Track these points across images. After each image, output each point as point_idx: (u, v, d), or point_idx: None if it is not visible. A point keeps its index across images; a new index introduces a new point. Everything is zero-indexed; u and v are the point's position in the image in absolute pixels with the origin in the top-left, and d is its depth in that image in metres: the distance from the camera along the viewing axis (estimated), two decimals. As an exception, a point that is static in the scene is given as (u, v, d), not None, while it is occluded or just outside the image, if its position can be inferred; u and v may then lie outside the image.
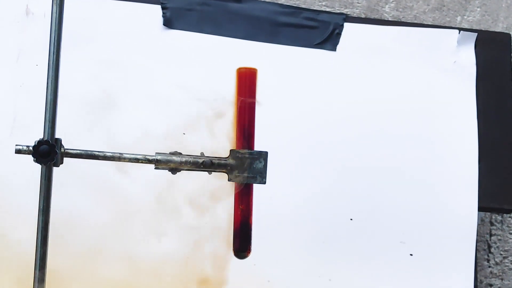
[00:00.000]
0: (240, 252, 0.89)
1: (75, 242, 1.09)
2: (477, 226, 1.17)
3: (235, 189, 0.89)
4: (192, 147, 0.97)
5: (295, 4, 1.38)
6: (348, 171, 1.16)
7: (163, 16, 1.17)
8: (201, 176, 0.94)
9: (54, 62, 0.85)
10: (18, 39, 1.13)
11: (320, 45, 1.20)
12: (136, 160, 0.87)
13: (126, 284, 1.10)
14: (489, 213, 1.41)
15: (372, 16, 1.44)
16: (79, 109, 1.12)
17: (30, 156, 0.83)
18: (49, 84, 0.85)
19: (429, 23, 1.43)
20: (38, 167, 0.85)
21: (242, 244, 0.89)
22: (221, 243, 1.10)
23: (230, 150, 0.89)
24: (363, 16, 1.44)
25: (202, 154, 0.90)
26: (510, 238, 1.42)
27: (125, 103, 1.13)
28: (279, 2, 1.25)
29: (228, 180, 0.89)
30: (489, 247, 1.41)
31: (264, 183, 0.89)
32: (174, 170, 0.89)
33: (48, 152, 0.83)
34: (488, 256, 1.41)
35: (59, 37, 0.86)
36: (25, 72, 1.12)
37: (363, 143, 1.17)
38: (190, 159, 0.88)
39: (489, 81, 1.22)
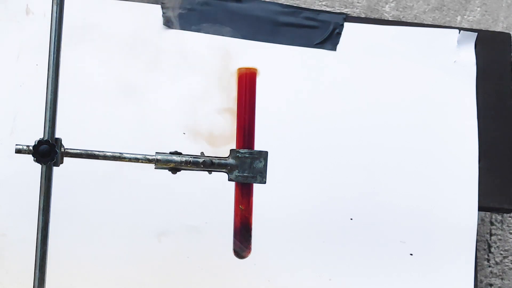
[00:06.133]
0: (240, 252, 0.89)
1: (75, 241, 1.09)
2: (477, 226, 1.17)
3: (235, 189, 0.89)
4: (192, 147, 0.97)
5: (295, 3, 1.38)
6: (348, 171, 1.16)
7: (163, 16, 1.17)
8: (201, 176, 0.94)
9: (54, 62, 0.85)
10: (18, 39, 1.13)
11: (320, 44, 1.20)
12: (136, 160, 0.87)
13: (126, 283, 1.10)
14: (489, 213, 1.41)
15: (372, 16, 1.44)
16: (79, 109, 1.12)
17: (30, 156, 0.83)
18: (49, 84, 0.85)
19: (429, 23, 1.43)
20: (38, 167, 0.85)
21: (242, 244, 0.89)
22: (221, 243, 1.10)
23: (230, 150, 0.89)
24: (363, 15, 1.44)
25: (202, 154, 0.90)
26: (510, 238, 1.42)
27: (125, 102, 1.13)
28: (279, 2, 1.25)
29: (228, 180, 0.89)
30: (489, 247, 1.41)
31: (264, 183, 0.89)
32: (174, 170, 0.89)
33: (48, 152, 0.83)
34: (488, 256, 1.41)
35: (59, 37, 0.86)
36: (25, 72, 1.12)
37: (362, 143, 1.17)
38: (190, 159, 0.88)
39: (489, 81, 1.22)
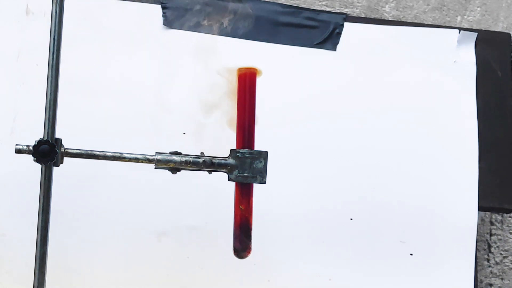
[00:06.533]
0: (240, 252, 0.89)
1: (75, 241, 1.09)
2: (477, 226, 1.17)
3: (235, 189, 0.89)
4: (192, 147, 0.97)
5: (295, 3, 1.38)
6: (348, 171, 1.16)
7: (163, 16, 1.17)
8: (201, 176, 0.94)
9: (54, 61, 0.85)
10: (18, 38, 1.13)
11: (320, 44, 1.20)
12: (136, 160, 0.87)
13: (126, 283, 1.10)
14: (489, 213, 1.40)
15: (372, 16, 1.44)
16: (79, 109, 1.12)
17: (30, 156, 0.83)
18: (49, 83, 0.85)
19: (429, 23, 1.43)
20: (38, 167, 0.85)
21: (242, 244, 0.89)
22: (221, 243, 1.10)
23: (230, 150, 0.89)
24: (363, 15, 1.44)
25: (202, 154, 0.90)
26: (510, 238, 1.42)
27: (124, 102, 1.13)
28: (279, 2, 1.25)
29: (228, 180, 0.89)
30: (489, 247, 1.41)
31: (264, 183, 0.89)
32: (174, 170, 0.89)
33: (48, 152, 0.83)
34: (488, 256, 1.41)
35: (59, 37, 0.85)
36: (25, 72, 1.12)
37: (363, 143, 1.17)
38: (190, 158, 0.88)
39: (489, 81, 1.22)
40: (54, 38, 0.85)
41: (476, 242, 1.17)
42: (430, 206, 1.17)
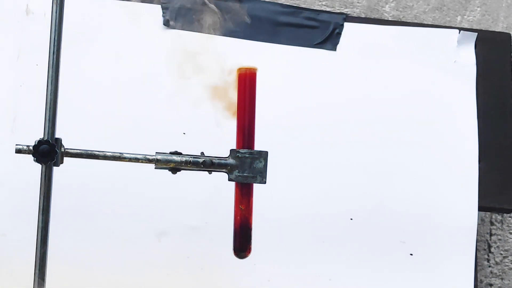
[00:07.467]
0: (240, 252, 0.89)
1: (75, 241, 1.09)
2: (477, 226, 1.17)
3: (235, 189, 0.89)
4: (192, 147, 0.97)
5: (295, 3, 1.38)
6: (348, 171, 1.16)
7: (163, 16, 1.17)
8: (201, 176, 0.94)
9: (54, 62, 0.85)
10: (18, 38, 1.13)
11: (320, 44, 1.20)
12: (136, 160, 0.87)
13: (126, 283, 1.10)
14: (489, 213, 1.40)
15: (372, 16, 1.44)
16: (79, 109, 1.12)
17: (30, 155, 0.83)
18: (49, 84, 0.85)
19: (429, 23, 1.43)
20: (38, 167, 0.85)
21: (242, 244, 0.89)
22: (221, 243, 1.10)
23: (230, 150, 0.89)
24: (363, 16, 1.44)
25: (202, 154, 0.90)
26: (510, 238, 1.42)
27: (125, 102, 1.13)
28: (279, 2, 1.25)
29: (228, 180, 0.89)
30: (489, 247, 1.41)
31: (264, 183, 0.89)
32: (174, 170, 0.89)
33: (48, 152, 0.83)
34: (488, 256, 1.41)
35: (59, 37, 0.86)
36: (25, 72, 1.12)
37: (363, 143, 1.17)
38: (190, 158, 0.88)
39: (489, 81, 1.22)
40: (54, 38, 0.85)
41: (476, 242, 1.17)
42: (430, 206, 1.17)
